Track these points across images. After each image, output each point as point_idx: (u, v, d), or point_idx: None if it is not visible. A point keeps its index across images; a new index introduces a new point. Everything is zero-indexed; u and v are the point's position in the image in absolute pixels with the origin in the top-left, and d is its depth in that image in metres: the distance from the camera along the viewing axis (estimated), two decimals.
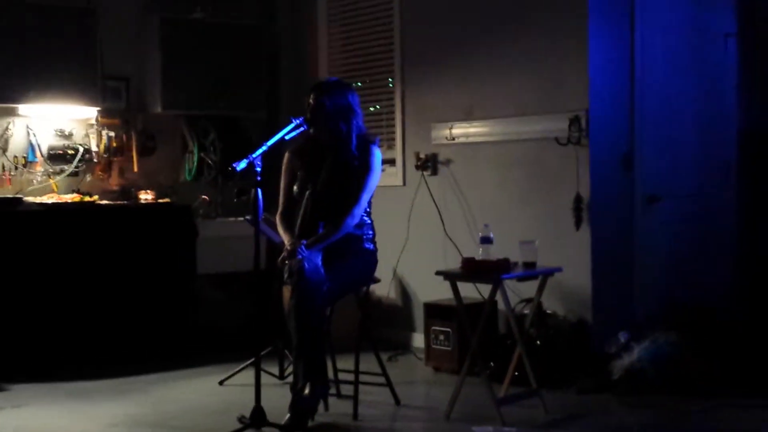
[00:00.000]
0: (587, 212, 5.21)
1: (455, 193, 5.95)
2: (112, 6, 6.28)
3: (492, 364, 4.95)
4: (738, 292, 5.76)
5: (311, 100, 4.45)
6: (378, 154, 4.49)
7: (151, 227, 5.93)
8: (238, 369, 5.18)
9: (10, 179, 5.94)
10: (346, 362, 4.79)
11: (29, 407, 4.75)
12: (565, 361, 5.01)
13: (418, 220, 6.13)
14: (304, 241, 4.29)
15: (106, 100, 6.22)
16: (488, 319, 4.52)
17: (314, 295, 4.17)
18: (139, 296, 5.81)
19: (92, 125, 6.26)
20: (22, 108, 5.96)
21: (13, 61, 5.76)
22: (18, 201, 5.64)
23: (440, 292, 5.18)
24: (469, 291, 5.21)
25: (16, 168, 5.98)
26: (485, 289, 4.78)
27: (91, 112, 6.21)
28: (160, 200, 6.21)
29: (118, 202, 6.09)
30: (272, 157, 4.29)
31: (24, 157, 6.01)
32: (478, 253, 4.51)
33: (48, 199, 5.83)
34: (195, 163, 6.58)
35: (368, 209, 4.52)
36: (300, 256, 4.18)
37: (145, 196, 6.20)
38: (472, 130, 5.84)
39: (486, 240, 4.50)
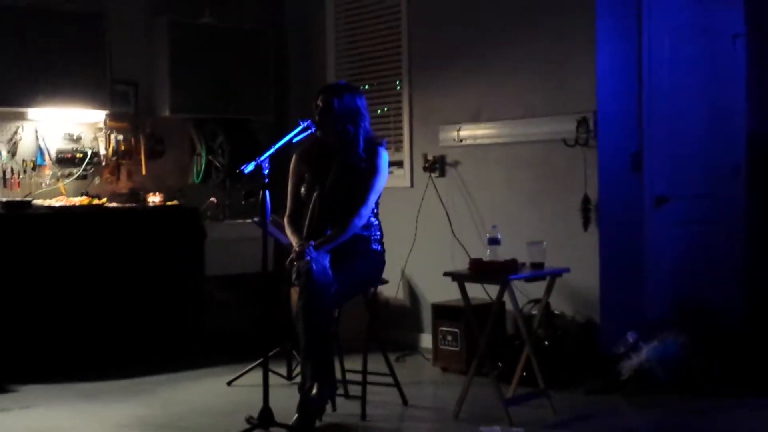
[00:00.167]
0: (595, 213, 5.21)
1: (463, 195, 5.95)
2: (120, 10, 6.31)
3: (500, 364, 4.95)
4: (746, 292, 5.74)
5: (320, 102, 4.47)
6: (385, 156, 4.50)
7: (159, 230, 5.94)
8: (246, 370, 5.18)
9: (19, 182, 5.97)
10: (354, 363, 4.80)
11: (38, 408, 4.76)
12: (573, 362, 5.00)
13: (425, 221, 6.13)
14: (312, 243, 4.29)
15: (115, 104, 6.25)
16: (496, 319, 4.51)
17: (322, 297, 4.17)
18: (148, 298, 5.83)
19: (101, 129, 6.29)
20: (31, 112, 5.99)
21: (22, 65, 5.79)
22: (27, 204, 5.66)
23: (448, 292, 5.17)
24: (477, 292, 5.21)
25: (25, 171, 6.01)
26: (493, 290, 4.78)
27: (100, 116, 6.24)
28: (169, 203, 6.23)
29: (127, 205, 6.11)
30: (280, 159, 4.30)
31: (33, 161, 6.04)
32: (486, 254, 4.51)
33: (57, 202, 5.85)
34: (203, 166, 6.60)
35: (375, 210, 4.53)
36: (308, 258, 4.19)
37: (154, 199, 6.23)
38: (479, 131, 5.84)
39: (494, 241, 4.50)
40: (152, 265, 5.85)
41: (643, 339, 4.89)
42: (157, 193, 6.26)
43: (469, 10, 5.92)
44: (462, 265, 5.05)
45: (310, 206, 4.45)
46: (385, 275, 4.69)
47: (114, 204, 6.07)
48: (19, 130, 6.01)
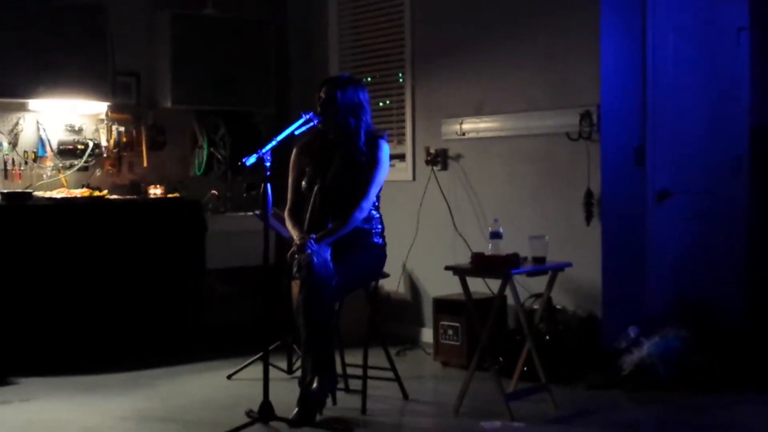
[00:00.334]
0: (598, 207, 5.20)
1: (465, 188, 5.94)
2: (122, 2, 6.29)
3: (501, 359, 4.94)
4: (747, 289, 5.73)
5: (322, 94, 4.45)
6: (386, 148, 4.49)
7: (160, 222, 5.93)
8: (246, 363, 5.18)
9: (20, 174, 5.96)
10: (354, 357, 4.79)
11: (38, 401, 4.76)
12: (575, 357, 5.00)
13: (427, 215, 6.12)
14: (314, 236, 4.29)
15: (117, 96, 6.23)
16: (497, 314, 4.51)
17: (323, 290, 4.17)
18: (148, 291, 5.82)
19: (102, 120, 6.28)
20: (33, 103, 5.97)
21: (24, 56, 5.76)
22: (28, 196, 5.66)
23: (449, 287, 5.17)
24: (479, 286, 5.20)
25: (26, 163, 6.00)
26: (495, 284, 4.77)
27: (102, 108, 6.22)
28: (170, 195, 6.22)
29: (128, 197, 6.11)
30: (282, 152, 4.29)
31: (34, 152, 6.02)
32: (488, 248, 4.51)
33: (58, 193, 5.83)
34: (204, 158, 6.59)
35: (377, 203, 4.52)
36: (309, 251, 4.18)
37: (155, 191, 6.22)
38: (482, 125, 5.83)
39: (496, 235, 4.49)
40: (153, 258, 5.84)
41: (644, 334, 4.88)
42: (158, 186, 6.25)
43: (473, 4, 5.90)
44: (464, 259, 5.04)
45: (311, 199, 4.44)
46: (386, 269, 4.69)
47: (115, 196, 6.06)
48: (21, 121, 6.00)
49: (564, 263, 4.60)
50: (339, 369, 4.63)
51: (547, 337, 5.00)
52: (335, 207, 4.40)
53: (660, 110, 5.38)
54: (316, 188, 4.43)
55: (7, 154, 5.93)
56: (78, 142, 6.15)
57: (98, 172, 6.27)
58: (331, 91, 4.44)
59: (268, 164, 4.09)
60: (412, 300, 6.32)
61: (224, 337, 6.03)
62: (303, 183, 4.51)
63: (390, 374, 4.75)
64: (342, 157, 4.45)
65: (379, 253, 4.57)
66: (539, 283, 4.86)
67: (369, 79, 6.55)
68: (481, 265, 4.44)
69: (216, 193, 6.45)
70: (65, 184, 6.08)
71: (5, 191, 5.61)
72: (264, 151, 4.08)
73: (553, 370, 4.67)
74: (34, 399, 4.79)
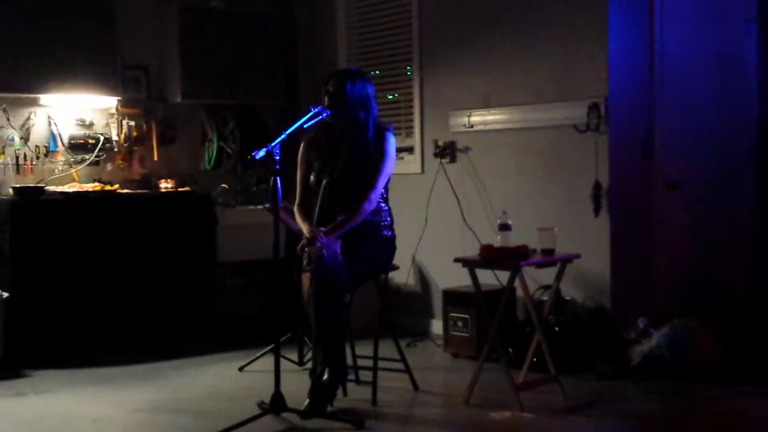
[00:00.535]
0: (606, 199, 5.20)
1: (473, 181, 5.95)
2: None
3: (510, 350, 4.96)
4: (757, 279, 5.73)
5: (332, 87, 4.45)
6: (392, 140, 4.50)
7: (171, 216, 5.96)
8: (257, 355, 5.21)
9: (31, 169, 5.99)
10: (365, 348, 4.81)
11: (52, 393, 4.80)
12: (584, 348, 5.00)
13: (436, 207, 6.14)
14: (323, 229, 4.31)
15: (127, 90, 6.27)
16: (507, 305, 4.52)
17: (333, 283, 4.19)
18: (160, 284, 5.86)
19: (113, 115, 6.31)
20: (44, 98, 6.00)
21: (34, 51, 5.79)
22: (40, 190, 5.69)
23: (459, 278, 5.18)
24: (488, 278, 5.21)
25: (38, 157, 6.03)
26: (504, 276, 4.79)
27: (112, 102, 6.25)
28: (180, 189, 6.26)
29: (139, 191, 6.14)
30: (291, 145, 4.31)
31: (45, 147, 6.06)
32: (497, 240, 4.52)
33: (69, 188, 5.87)
34: (214, 152, 6.61)
35: (385, 195, 4.53)
36: (319, 244, 4.21)
37: (166, 185, 6.25)
38: (490, 117, 5.84)
39: (504, 227, 4.50)
40: (164, 252, 5.87)
41: (653, 325, 4.89)
42: (168, 180, 6.29)
43: None
44: (473, 251, 5.05)
45: (320, 193, 4.45)
46: (396, 261, 4.71)
47: (126, 190, 6.10)
48: (32, 116, 6.03)
49: (572, 255, 4.62)
50: (349, 361, 4.66)
51: (557, 329, 5.02)
52: (344, 200, 4.41)
53: (668, 102, 5.38)
54: (324, 182, 4.45)
55: (18, 149, 5.96)
56: (89, 137, 6.18)
57: (109, 167, 6.30)
58: (341, 84, 4.44)
59: (277, 158, 4.10)
60: (421, 292, 6.34)
61: (235, 330, 6.07)
62: (311, 177, 4.52)
63: (400, 366, 4.78)
64: (349, 150, 4.46)
65: (388, 246, 4.59)
66: (548, 275, 4.87)
67: (377, 72, 6.57)
68: (490, 257, 4.45)
69: (226, 186, 6.47)
70: (77, 178, 6.11)
71: (17, 186, 5.65)
72: (273, 144, 4.10)
73: (563, 361, 4.68)
74: (47, 391, 4.83)
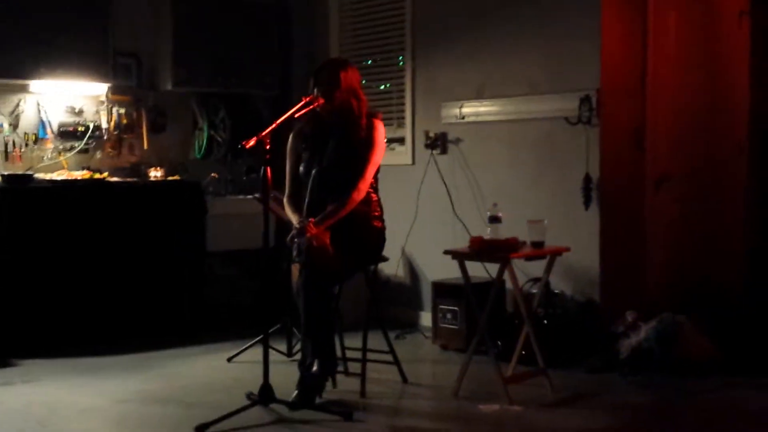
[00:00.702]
0: (596, 192, 5.20)
1: (464, 172, 5.94)
2: None
3: (499, 343, 4.96)
4: (746, 271, 5.74)
5: (325, 77, 4.41)
6: (382, 129, 4.47)
7: (160, 204, 5.94)
8: (246, 346, 5.20)
9: (20, 156, 5.96)
10: (354, 340, 4.81)
11: (39, 382, 4.79)
12: (573, 341, 5.02)
13: (426, 198, 6.13)
14: (313, 220, 4.29)
15: (117, 77, 6.23)
16: (496, 298, 4.51)
17: (323, 274, 4.18)
18: (149, 273, 5.84)
19: (103, 102, 6.28)
20: (33, 84, 5.97)
21: (25, 37, 5.75)
22: (28, 178, 5.66)
23: (448, 270, 5.18)
24: (477, 270, 5.21)
25: (27, 145, 6.00)
26: (493, 268, 4.78)
27: (102, 89, 6.23)
28: (170, 177, 6.23)
29: (128, 179, 6.12)
30: (282, 135, 4.29)
31: (34, 134, 6.03)
32: (487, 232, 4.52)
33: (58, 175, 5.84)
34: (205, 141, 6.60)
35: (375, 185, 4.51)
36: (308, 235, 4.19)
37: (155, 173, 6.22)
38: (482, 108, 5.83)
39: (494, 219, 4.50)
40: (153, 240, 5.86)
41: (642, 318, 4.90)
42: (158, 168, 6.26)
43: None
44: (463, 243, 5.05)
45: (309, 183, 4.43)
46: (385, 253, 4.69)
47: (115, 178, 6.07)
48: (21, 103, 6.00)
49: (562, 248, 4.62)
50: (338, 352, 4.66)
51: (545, 321, 5.02)
52: (333, 189, 4.38)
53: (660, 94, 5.37)
54: (313, 172, 4.43)
55: (7, 136, 5.93)
56: (78, 124, 6.16)
57: (99, 155, 6.27)
58: (334, 73, 4.41)
59: (268, 147, 4.08)
60: (411, 284, 6.34)
61: (224, 320, 6.06)
62: (300, 168, 4.50)
63: (389, 357, 4.78)
64: (338, 140, 4.43)
65: (378, 236, 4.57)
66: (538, 268, 4.88)
67: (369, 62, 6.55)
68: (480, 249, 4.44)
69: (216, 175, 6.45)
70: (66, 166, 6.08)
71: (6, 173, 5.62)
72: (264, 134, 4.08)
73: (551, 354, 4.69)
74: (35, 381, 4.82)
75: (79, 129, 6.14)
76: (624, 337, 4.86)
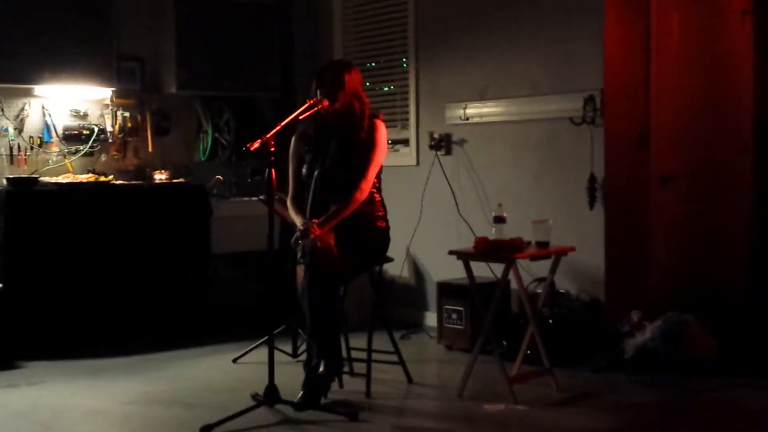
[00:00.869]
0: (601, 192, 5.20)
1: (469, 173, 5.95)
2: None
3: (504, 342, 4.96)
4: (750, 271, 5.73)
5: (329, 78, 4.41)
6: (383, 129, 4.47)
7: (165, 207, 5.95)
8: (251, 347, 5.21)
9: (25, 159, 5.98)
10: (359, 340, 4.81)
11: (44, 384, 4.80)
12: (578, 340, 5.02)
13: (431, 199, 6.13)
14: (316, 221, 4.29)
15: (121, 81, 6.24)
16: (501, 298, 4.52)
17: (327, 275, 4.18)
18: (154, 275, 5.85)
19: (107, 105, 6.30)
20: (38, 89, 5.98)
21: (29, 42, 5.77)
22: (34, 181, 5.68)
23: (453, 271, 5.18)
24: (482, 270, 5.22)
25: (32, 148, 6.02)
26: (498, 269, 4.79)
27: (106, 93, 6.24)
28: (175, 180, 6.25)
29: (133, 182, 6.13)
30: (286, 137, 4.29)
31: (39, 138, 6.05)
32: (492, 232, 4.52)
33: (63, 179, 5.86)
34: (209, 143, 6.61)
35: (378, 185, 4.51)
36: (312, 236, 4.19)
37: (160, 176, 6.24)
38: (486, 110, 5.83)
39: (499, 219, 4.50)
40: (158, 243, 5.87)
41: (647, 318, 4.90)
42: (163, 171, 6.28)
43: None
44: (467, 243, 5.05)
45: (312, 185, 4.43)
46: (390, 253, 4.69)
47: (120, 181, 6.09)
48: (26, 107, 6.02)
49: (567, 247, 4.62)
50: (344, 353, 4.66)
51: (550, 321, 5.02)
52: (336, 190, 4.38)
53: (663, 94, 5.37)
54: (316, 173, 4.43)
55: (12, 140, 5.95)
56: (83, 128, 6.17)
57: (103, 158, 6.29)
58: (338, 75, 4.41)
59: (272, 149, 4.09)
60: (416, 284, 6.34)
61: (229, 321, 6.07)
62: (303, 170, 4.50)
63: (394, 358, 4.78)
64: (340, 141, 4.42)
65: (382, 237, 4.57)
66: (542, 268, 4.87)
67: (373, 63, 6.56)
68: (485, 249, 4.44)
69: (221, 177, 6.47)
70: (71, 169, 6.09)
71: (11, 177, 5.63)
72: (268, 136, 4.08)
73: (556, 354, 4.68)
74: (39, 383, 4.82)
75: (84, 132, 6.16)
76: (629, 336, 4.86)
